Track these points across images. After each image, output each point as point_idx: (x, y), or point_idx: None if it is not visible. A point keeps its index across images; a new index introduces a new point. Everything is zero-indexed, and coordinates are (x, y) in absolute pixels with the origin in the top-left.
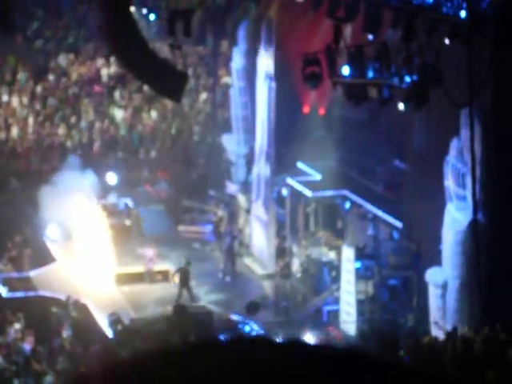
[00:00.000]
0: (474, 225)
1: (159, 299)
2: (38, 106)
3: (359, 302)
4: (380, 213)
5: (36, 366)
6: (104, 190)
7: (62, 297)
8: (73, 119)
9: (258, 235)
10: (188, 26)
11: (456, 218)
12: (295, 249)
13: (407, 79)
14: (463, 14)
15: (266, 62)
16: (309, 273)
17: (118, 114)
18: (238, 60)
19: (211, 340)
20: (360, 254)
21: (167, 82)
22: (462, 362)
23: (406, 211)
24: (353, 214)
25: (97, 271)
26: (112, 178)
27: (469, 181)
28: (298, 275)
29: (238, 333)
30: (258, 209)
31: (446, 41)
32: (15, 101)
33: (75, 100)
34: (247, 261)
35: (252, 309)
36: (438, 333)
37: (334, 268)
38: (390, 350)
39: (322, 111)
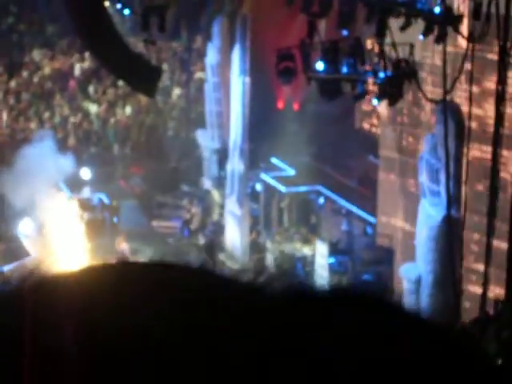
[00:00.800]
0: (447, 220)
1: None
2: (11, 101)
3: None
4: (354, 208)
5: None
6: (78, 184)
7: None
8: (47, 114)
9: (232, 230)
10: (162, 21)
11: (430, 213)
12: (269, 244)
13: (381, 75)
14: (437, 9)
15: (240, 57)
16: (282, 268)
17: (92, 108)
18: (212, 55)
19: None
20: (334, 250)
21: (141, 77)
22: None
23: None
24: (326, 210)
25: (71, 266)
26: (86, 172)
27: (443, 176)
28: (272, 270)
29: None
30: (232, 204)
31: (420, 37)
32: None
33: (49, 95)
34: (221, 256)
35: None
36: None
37: (308, 263)
38: None
39: (296, 106)
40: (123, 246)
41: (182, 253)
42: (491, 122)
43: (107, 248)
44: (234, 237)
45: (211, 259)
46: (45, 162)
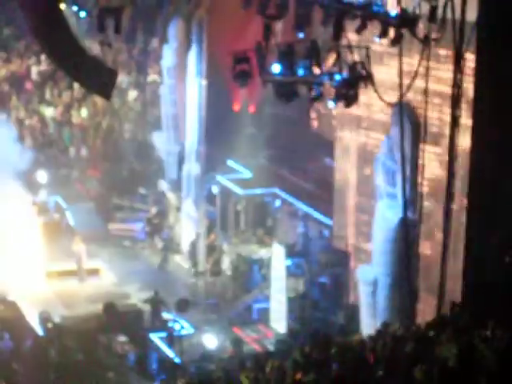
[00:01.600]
0: (403, 223)
1: (90, 297)
2: None
3: (289, 300)
4: (310, 211)
5: None
6: (34, 187)
7: None
8: (3, 116)
9: (189, 233)
10: (118, 23)
11: (386, 216)
12: (225, 246)
13: (337, 77)
14: (393, 12)
15: (196, 59)
16: (239, 270)
17: (48, 111)
18: (168, 58)
19: None
20: (290, 252)
21: (97, 79)
22: (392, 361)
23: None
24: (283, 212)
25: (27, 269)
26: (42, 175)
27: (399, 179)
28: (229, 273)
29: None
30: (189, 206)
31: (376, 39)
32: None
33: (5, 97)
34: (177, 258)
35: (182, 306)
36: (368, 330)
37: (265, 266)
38: (322, 348)
39: (252, 109)
40: (80, 248)
41: (139, 255)
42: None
43: (63, 251)
44: (191, 239)
45: (167, 261)
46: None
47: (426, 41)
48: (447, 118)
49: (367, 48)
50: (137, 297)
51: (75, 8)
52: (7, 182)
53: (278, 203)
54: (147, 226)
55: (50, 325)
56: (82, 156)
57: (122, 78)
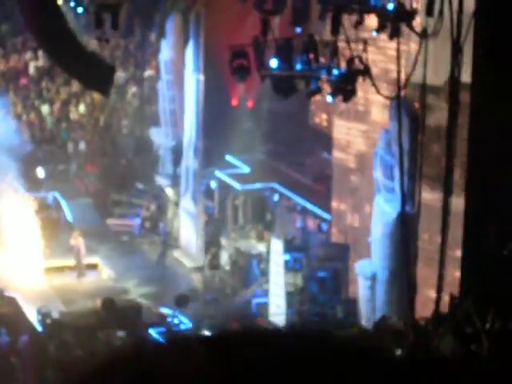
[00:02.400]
0: (402, 216)
1: (89, 292)
2: None
3: (288, 294)
4: (308, 205)
5: None
6: (33, 183)
7: None
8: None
9: (187, 228)
10: (116, 18)
11: (384, 209)
12: (224, 241)
13: (335, 72)
14: (391, 6)
15: (194, 54)
16: (238, 265)
17: (45, 107)
18: (166, 53)
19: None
20: (289, 247)
21: (95, 74)
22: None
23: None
24: (281, 207)
25: (26, 265)
26: (40, 171)
27: (397, 172)
28: (227, 268)
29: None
30: (187, 202)
31: (374, 33)
32: None
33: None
34: (176, 254)
35: (181, 301)
36: (367, 324)
37: (263, 260)
38: None
39: (250, 104)
40: (78, 242)
41: (137, 251)
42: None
43: (62, 246)
44: (189, 234)
45: (166, 256)
46: None
47: (423, 34)
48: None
49: (365, 42)
50: (135, 292)
51: (72, 4)
52: (6, 178)
53: (276, 198)
54: (144, 222)
55: (48, 320)
56: (80, 152)
57: (120, 74)
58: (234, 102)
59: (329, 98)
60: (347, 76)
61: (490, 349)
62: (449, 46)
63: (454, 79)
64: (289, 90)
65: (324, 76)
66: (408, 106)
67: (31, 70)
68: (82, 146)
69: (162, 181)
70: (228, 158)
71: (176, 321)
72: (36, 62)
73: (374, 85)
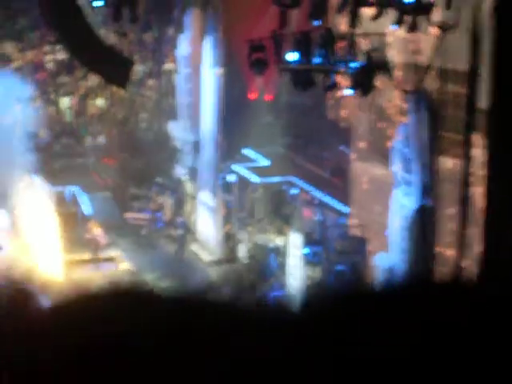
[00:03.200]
0: (420, 210)
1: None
2: None
3: (306, 288)
4: (326, 198)
5: None
6: (50, 176)
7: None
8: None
9: (205, 222)
10: (134, 12)
11: (403, 203)
12: (242, 235)
13: (353, 65)
14: None
15: (212, 48)
16: (256, 259)
17: (64, 101)
18: (184, 47)
19: None
20: (308, 240)
21: (113, 68)
22: None
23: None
24: (300, 200)
25: (44, 259)
26: (59, 165)
27: (415, 166)
28: (245, 262)
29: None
30: (205, 195)
31: (392, 26)
32: None
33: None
34: (194, 247)
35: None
36: None
37: (281, 254)
38: None
39: (268, 97)
40: (97, 232)
41: (156, 244)
42: None
43: (80, 241)
44: (207, 228)
45: (184, 250)
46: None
47: (442, 28)
48: None
49: (383, 35)
50: (154, 285)
51: None
52: (25, 171)
53: (294, 191)
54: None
55: None
56: (98, 145)
57: (138, 68)
58: (253, 96)
59: (348, 92)
60: (365, 70)
61: None
62: (466, 38)
63: (472, 70)
64: (307, 83)
65: (342, 69)
66: (427, 99)
67: (49, 63)
68: (101, 139)
69: (180, 174)
70: (246, 151)
71: None
72: (54, 55)
73: (392, 78)
